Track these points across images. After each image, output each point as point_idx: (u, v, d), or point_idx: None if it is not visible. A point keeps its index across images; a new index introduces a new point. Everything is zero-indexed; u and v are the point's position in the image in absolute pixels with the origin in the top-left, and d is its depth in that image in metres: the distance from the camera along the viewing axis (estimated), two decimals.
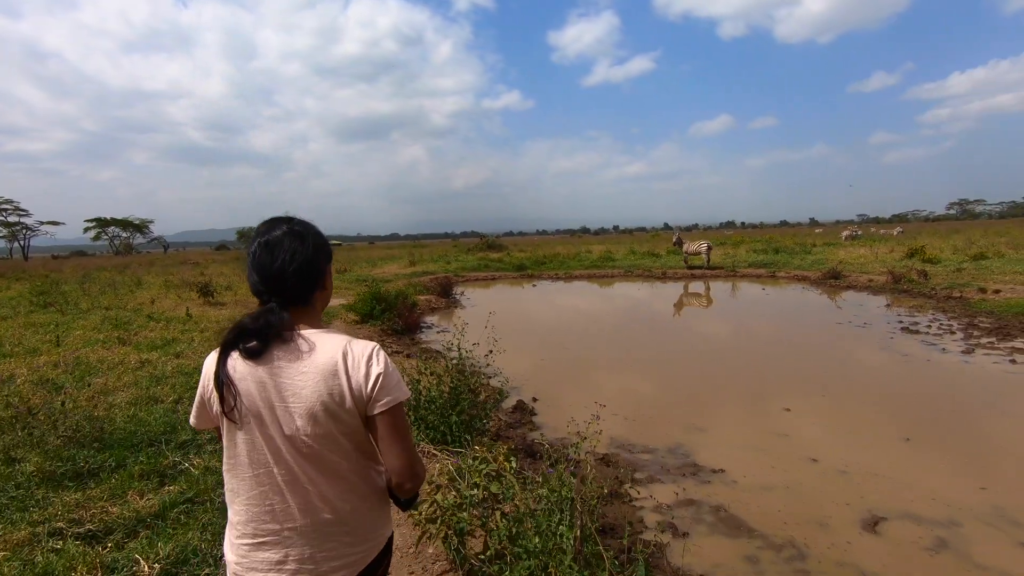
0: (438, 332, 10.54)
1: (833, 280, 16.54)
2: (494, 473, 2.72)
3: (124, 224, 72.22)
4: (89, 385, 5.27)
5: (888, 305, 12.01)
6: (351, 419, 1.19)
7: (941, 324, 9.57)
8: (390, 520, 1.36)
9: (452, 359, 4.85)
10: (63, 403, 3.99)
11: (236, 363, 1.17)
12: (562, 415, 5.68)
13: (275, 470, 1.18)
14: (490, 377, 5.29)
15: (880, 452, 4.46)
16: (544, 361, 7.93)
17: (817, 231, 58.86)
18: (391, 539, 1.36)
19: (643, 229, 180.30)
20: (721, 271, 20.65)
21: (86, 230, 69.87)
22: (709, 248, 21.82)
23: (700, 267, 21.58)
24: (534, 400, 6.22)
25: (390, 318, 10.18)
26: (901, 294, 13.68)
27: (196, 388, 1.29)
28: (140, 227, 73.77)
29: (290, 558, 1.18)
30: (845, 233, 37.47)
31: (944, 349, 7.76)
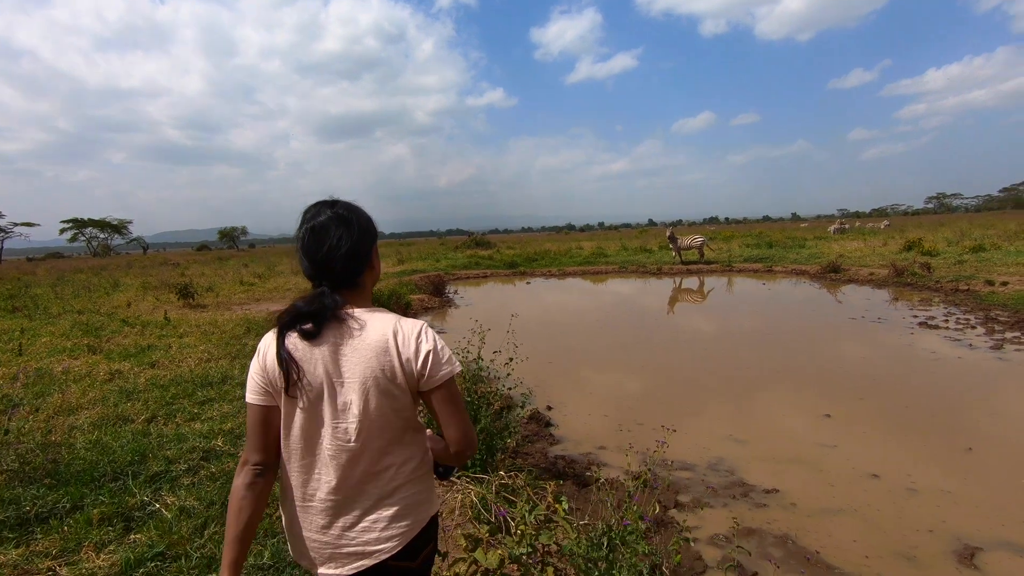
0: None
1: (833, 274, 16.25)
2: (542, 516, 2.20)
3: (101, 225, 70.46)
4: (47, 403, 4.64)
5: (896, 299, 11.69)
6: (402, 395, 1.23)
7: (958, 318, 9.22)
8: (435, 497, 1.37)
9: (469, 366, 4.29)
10: (6, 430, 3.37)
11: (295, 342, 1.21)
12: (581, 425, 5.18)
13: (325, 442, 1.22)
14: (510, 388, 4.75)
15: (944, 465, 4.01)
16: (552, 364, 7.41)
17: (803, 225, 59.19)
18: (436, 518, 1.36)
19: (628, 225, 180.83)
20: (717, 266, 20.29)
21: (62, 231, 68.09)
22: (704, 243, 21.49)
23: (695, 262, 21.26)
24: (548, 409, 5.70)
25: None
26: (905, 287, 13.39)
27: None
28: (118, 228, 72.03)
29: (334, 525, 1.24)
30: (833, 227, 37.47)
31: (971, 345, 7.38)
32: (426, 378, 1.23)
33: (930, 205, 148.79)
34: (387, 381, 1.21)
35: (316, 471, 1.23)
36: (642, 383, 6.50)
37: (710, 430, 4.86)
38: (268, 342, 1.26)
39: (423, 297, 13.90)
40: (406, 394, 1.24)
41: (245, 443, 1.26)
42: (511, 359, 4.37)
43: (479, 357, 4.32)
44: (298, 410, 1.22)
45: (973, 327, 8.50)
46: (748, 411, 5.36)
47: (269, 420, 1.26)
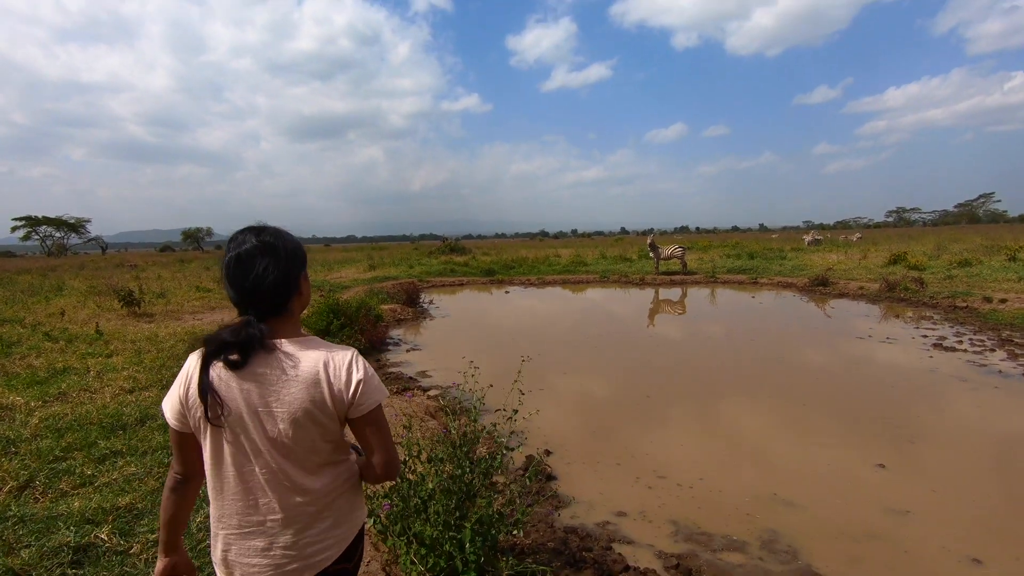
0: (408, 350, 8.94)
1: (822, 287, 15.77)
2: None
3: (57, 223, 66.90)
4: None
5: (896, 316, 11.13)
6: (331, 422, 1.26)
7: (971, 339, 8.64)
8: (364, 505, 1.44)
9: (460, 419, 3.32)
10: None
11: (219, 372, 1.21)
12: (590, 477, 4.26)
13: (257, 469, 1.23)
14: (513, 447, 3.80)
15: None
16: (544, 391, 6.48)
17: (774, 236, 59.70)
18: (364, 526, 1.43)
19: (601, 233, 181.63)
20: (700, 277, 19.72)
21: (14, 229, 64.45)
22: (685, 252, 20.92)
23: (676, 272, 20.66)
24: (547, 454, 4.76)
25: (350, 334, 8.53)
26: (899, 302, 12.92)
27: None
28: (75, 226, 68.54)
29: (275, 545, 1.25)
30: (808, 239, 37.56)
31: (1001, 372, 6.74)
32: (355, 406, 1.26)
33: (890, 219, 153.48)
34: (317, 411, 1.23)
35: (252, 497, 1.24)
36: (655, 420, 5.61)
37: (751, 486, 3.98)
38: (191, 369, 1.26)
39: (395, 307, 12.83)
40: (335, 421, 1.27)
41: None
42: (516, 412, 3.36)
43: (476, 400, 3.33)
44: (225, 442, 1.23)
45: (992, 350, 7.90)
46: (787, 459, 4.52)
47: (186, 443, 1.30)
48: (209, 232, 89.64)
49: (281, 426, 1.20)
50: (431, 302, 14.21)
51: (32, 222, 65.45)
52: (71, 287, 17.53)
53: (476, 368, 3.84)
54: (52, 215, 66.70)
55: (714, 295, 15.91)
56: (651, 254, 21.25)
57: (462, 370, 7.63)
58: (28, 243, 69.25)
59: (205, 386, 1.19)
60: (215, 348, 1.19)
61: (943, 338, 8.76)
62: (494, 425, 3.30)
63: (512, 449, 3.45)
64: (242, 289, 1.22)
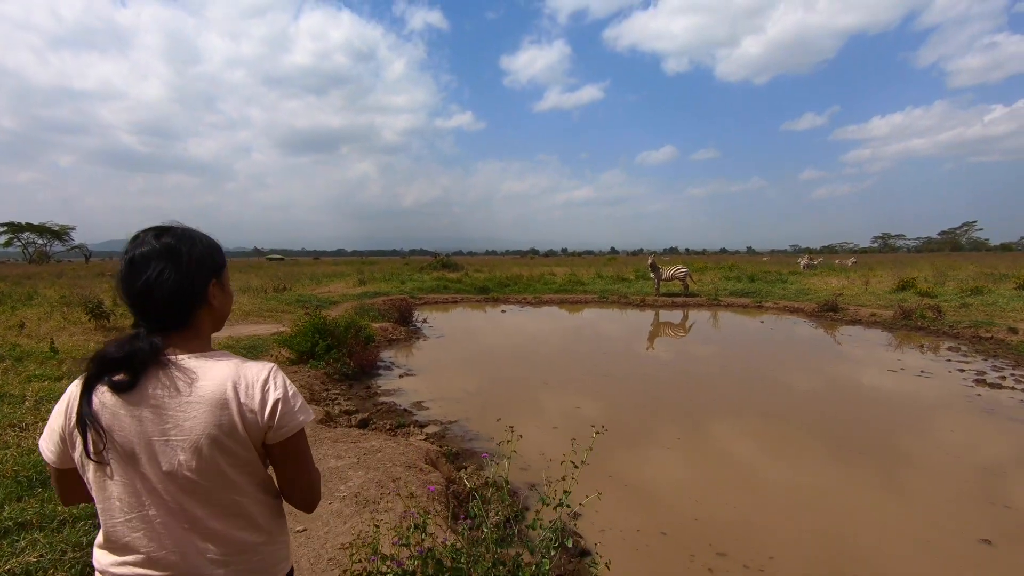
0: (401, 375, 8.10)
1: (831, 313, 15.17)
2: None
3: (40, 230, 65.31)
4: None
5: (921, 347, 10.49)
6: (244, 451, 1.04)
7: (1012, 375, 7.98)
8: (289, 554, 1.19)
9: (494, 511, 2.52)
10: None
11: (104, 397, 1.01)
12: (632, 551, 3.45)
13: (151, 512, 1.02)
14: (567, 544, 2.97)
15: None
16: (558, 431, 5.67)
17: (764, 259, 59.54)
18: (291, 573, 1.20)
19: (591, 252, 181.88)
20: (702, 299, 19.08)
21: None
22: (687, 274, 20.31)
23: (677, 294, 20.01)
24: (574, 517, 3.95)
25: (337, 357, 7.69)
26: (917, 331, 12.31)
27: None
28: (59, 234, 66.96)
29: None
30: (803, 262, 37.19)
31: None
32: (274, 430, 1.05)
33: (875, 244, 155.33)
34: (225, 438, 1.01)
35: (147, 543, 1.02)
36: (699, 471, 4.82)
37: (832, 564, 3.21)
38: (73, 394, 1.05)
39: (387, 326, 11.98)
40: (250, 450, 1.05)
41: None
42: (566, 502, 2.53)
43: (504, 482, 2.53)
44: (110, 481, 1.02)
45: None
46: (871, 527, 3.75)
47: (67, 481, 1.10)
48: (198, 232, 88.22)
49: (181, 457, 1.00)
50: (425, 321, 13.38)
51: (14, 228, 63.92)
52: (43, 296, 16.47)
53: (515, 434, 2.99)
54: (36, 221, 65.28)
55: (717, 319, 15.22)
56: (651, 275, 20.60)
57: (461, 399, 6.86)
58: (10, 250, 67.81)
59: (85, 415, 1.00)
60: (98, 368, 1.01)
61: (982, 373, 8.10)
62: (537, 516, 2.48)
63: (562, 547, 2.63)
64: (131, 295, 1.05)
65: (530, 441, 5.22)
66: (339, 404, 6.21)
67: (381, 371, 8.35)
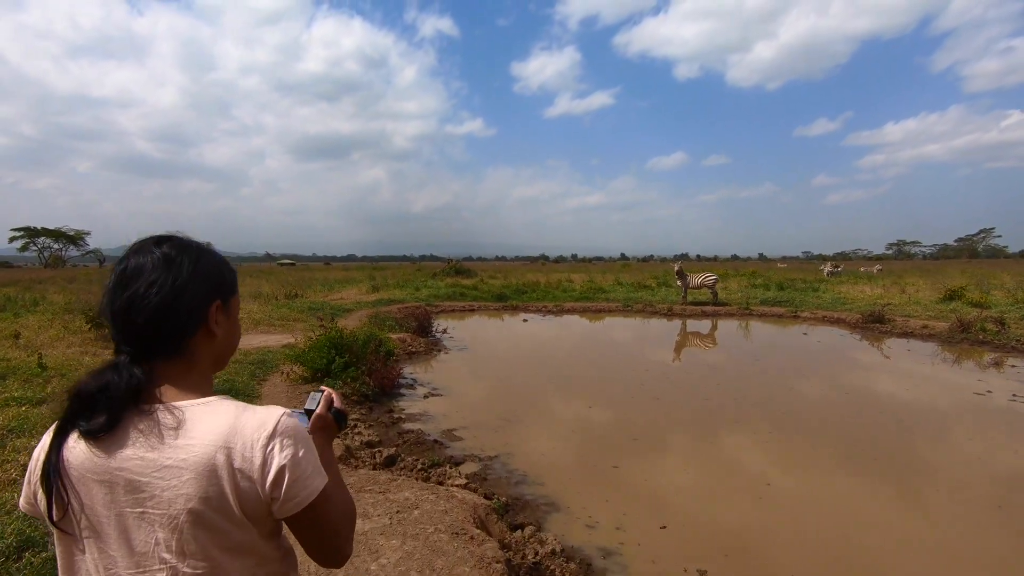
0: (426, 395, 7.25)
1: (878, 324, 14.14)
2: None
3: (56, 235, 65.66)
4: None
5: (995, 364, 9.50)
6: (239, 530, 0.81)
7: None
8: None
9: None
10: None
11: (75, 447, 0.80)
12: None
13: None
14: None
15: None
16: (620, 469, 4.79)
17: (781, 265, 58.20)
18: None
19: (600, 258, 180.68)
20: (733, 308, 18.10)
21: (12, 239, 63.36)
22: (716, 281, 19.34)
23: (705, 303, 19.04)
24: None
25: (356, 376, 6.87)
26: (979, 345, 11.30)
27: None
28: (74, 238, 67.32)
29: None
30: (827, 269, 36.07)
31: None
32: (280, 503, 0.82)
33: (890, 251, 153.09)
34: (214, 514, 0.79)
35: None
36: (813, 539, 3.92)
37: None
38: (43, 444, 0.85)
39: (405, 337, 11.16)
40: (248, 530, 0.82)
41: None
42: None
43: None
44: (77, 551, 0.82)
45: None
46: None
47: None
48: (209, 247, 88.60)
49: (160, 535, 0.79)
50: (445, 331, 12.54)
51: (30, 233, 64.41)
52: (50, 302, 15.85)
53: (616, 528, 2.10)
54: (52, 227, 65.69)
55: (749, 329, 14.26)
56: (678, 282, 19.65)
57: (497, 427, 5.99)
58: (26, 254, 68.54)
59: (50, 468, 0.80)
60: (73, 406, 0.80)
61: None
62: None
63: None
64: (113, 310, 0.84)
65: (589, 483, 4.35)
66: (360, 434, 5.37)
67: (403, 390, 7.51)
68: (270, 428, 0.83)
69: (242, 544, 0.83)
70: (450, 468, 4.51)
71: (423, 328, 12.12)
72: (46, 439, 0.84)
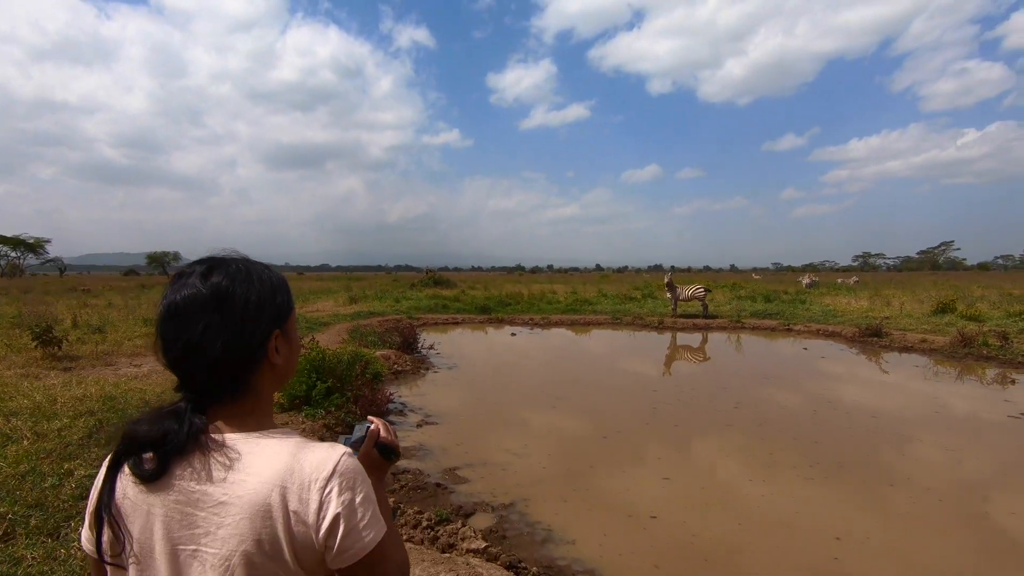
0: (419, 424, 6.46)
1: (875, 338, 13.81)
2: None
3: (14, 242, 62.28)
4: None
5: (1014, 382, 9.12)
6: None
7: None
8: None
9: None
10: None
11: (128, 485, 0.78)
12: None
13: None
14: None
15: None
16: (659, 520, 4.09)
17: (756, 277, 58.59)
18: None
19: (576, 269, 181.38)
20: (724, 321, 17.69)
21: None
22: (707, 294, 18.92)
23: (695, 315, 18.61)
24: None
25: (340, 404, 6.05)
26: (984, 360, 10.99)
27: None
28: (34, 246, 63.97)
29: None
30: (806, 281, 36.26)
31: None
32: (335, 552, 0.75)
33: (856, 263, 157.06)
34: (265, 559, 0.74)
35: None
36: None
37: None
38: (98, 483, 0.81)
39: (390, 354, 10.33)
40: (298, 574, 0.76)
41: None
42: None
43: None
44: None
45: None
46: None
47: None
48: (176, 257, 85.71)
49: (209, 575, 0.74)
50: (432, 347, 11.74)
51: None
52: (0, 315, 14.55)
53: None
54: (10, 234, 62.30)
55: (738, 342, 13.81)
56: (668, 294, 19.17)
57: (506, 464, 5.24)
58: None
59: (103, 505, 0.78)
60: (125, 446, 0.78)
61: None
62: None
63: None
64: (169, 357, 0.79)
65: (630, 538, 3.64)
66: None
67: (392, 417, 6.70)
68: (329, 469, 0.76)
69: None
70: (462, 526, 3.74)
71: (408, 344, 11.29)
72: (100, 475, 0.81)
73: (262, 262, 0.90)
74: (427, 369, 10.02)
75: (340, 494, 0.75)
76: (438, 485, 4.63)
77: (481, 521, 4.01)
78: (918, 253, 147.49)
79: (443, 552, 3.39)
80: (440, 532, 3.64)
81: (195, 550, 0.76)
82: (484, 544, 3.45)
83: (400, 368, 9.76)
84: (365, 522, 0.77)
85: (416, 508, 4.02)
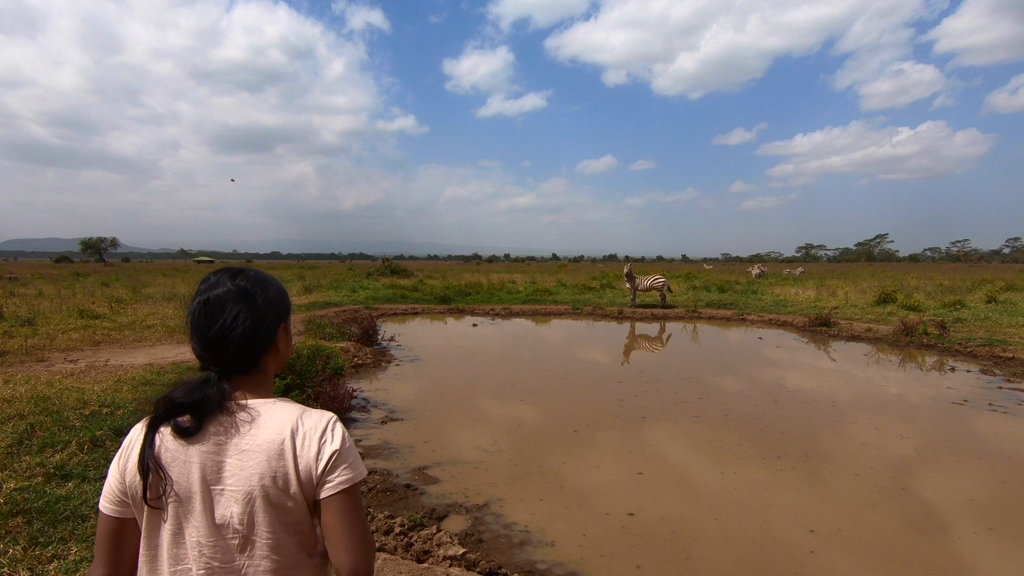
0: (384, 421, 6.23)
1: (824, 328, 14.35)
2: None
3: None
4: None
5: (950, 369, 9.61)
6: (297, 508, 1.00)
7: None
8: None
9: None
10: None
11: (165, 441, 1.00)
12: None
13: (192, 567, 0.98)
14: None
15: None
16: (637, 517, 4.03)
17: (708, 267, 60.24)
18: None
19: (533, 258, 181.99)
20: (681, 311, 18.05)
21: None
22: (665, 284, 19.23)
23: (654, 305, 18.92)
24: None
25: (301, 399, 5.74)
26: (925, 349, 11.57)
27: None
28: None
29: None
30: (755, 272, 37.50)
31: None
32: (324, 484, 0.99)
33: (799, 254, 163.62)
34: (279, 491, 0.98)
35: None
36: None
37: None
38: (134, 438, 1.04)
39: (349, 346, 9.98)
40: (301, 507, 1.00)
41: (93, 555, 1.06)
42: None
43: None
44: (163, 524, 1.00)
45: None
46: None
47: (123, 534, 1.03)
48: (114, 243, 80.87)
49: (235, 509, 0.97)
50: (392, 339, 11.42)
51: None
52: None
53: None
54: None
55: (695, 332, 14.11)
56: (627, 284, 19.39)
57: (477, 461, 5.10)
58: None
59: (147, 458, 0.98)
60: (164, 411, 1.00)
61: None
62: None
63: None
64: (205, 340, 1.04)
65: (611, 539, 3.56)
66: None
67: (355, 414, 6.45)
68: (326, 422, 1.03)
69: (296, 518, 1.00)
70: (437, 531, 3.57)
71: (368, 336, 10.95)
72: (134, 434, 1.04)
73: (268, 274, 1.16)
74: (389, 362, 9.74)
75: (334, 440, 1.01)
76: (408, 486, 4.44)
77: (456, 524, 3.86)
78: (856, 245, 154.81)
79: (419, 561, 3.22)
80: (414, 538, 3.47)
81: (222, 489, 0.98)
82: (462, 550, 3.30)
83: (361, 361, 9.44)
84: (351, 461, 1.02)
85: (387, 512, 3.83)
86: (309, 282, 24.40)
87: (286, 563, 0.99)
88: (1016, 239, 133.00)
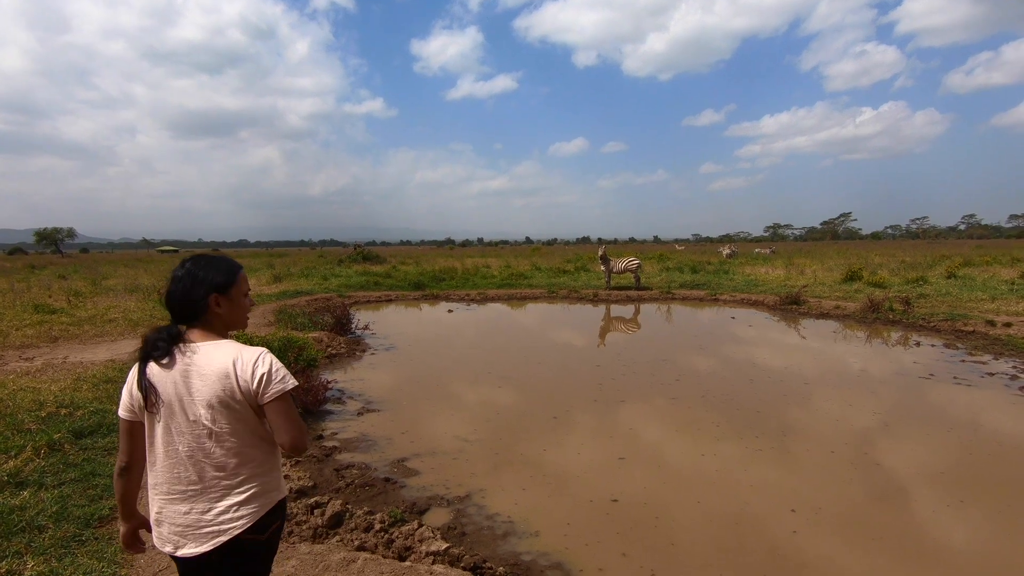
0: (360, 412, 6.09)
1: (794, 306, 14.63)
2: None
3: None
4: None
5: (915, 344, 9.88)
6: (243, 409, 1.55)
7: None
8: (282, 484, 1.71)
9: None
10: None
11: (152, 368, 1.55)
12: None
13: (179, 447, 1.54)
14: None
15: None
16: (620, 503, 4.01)
17: (679, 248, 60.96)
18: (284, 501, 1.70)
19: (506, 242, 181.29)
20: (656, 293, 18.19)
21: None
22: (639, 266, 19.34)
23: (628, 287, 19.04)
24: None
25: None
26: (891, 324, 11.89)
27: None
28: None
29: (193, 510, 1.54)
30: (725, 251, 38.09)
31: None
32: (261, 395, 1.53)
33: (767, 234, 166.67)
34: (228, 399, 1.52)
35: (176, 470, 1.54)
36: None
37: None
38: (134, 370, 1.58)
39: (322, 336, 9.74)
40: (247, 408, 1.55)
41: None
42: None
43: None
44: (157, 424, 1.55)
45: None
46: None
47: (133, 432, 1.61)
48: (71, 233, 77.60)
49: (200, 410, 1.52)
50: (366, 327, 11.21)
51: None
52: None
53: None
54: None
55: (670, 313, 14.25)
56: (602, 267, 19.44)
57: (456, 452, 5.02)
58: None
59: (143, 380, 1.54)
60: (145, 347, 1.56)
61: (1015, 377, 7.41)
62: None
63: None
64: (165, 303, 1.63)
65: (597, 527, 3.53)
66: (287, 477, 4.18)
67: (330, 406, 6.29)
68: (258, 354, 1.57)
69: (243, 415, 1.56)
70: (418, 526, 3.48)
71: (341, 324, 10.72)
72: (134, 369, 1.57)
73: (226, 256, 1.73)
74: (363, 351, 9.55)
75: (263, 365, 1.55)
76: (387, 480, 4.34)
77: (437, 517, 3.78)
78: (821, 224, 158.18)
79: (400, 558, 3.13)
80: (395, 535, 3.37)
81: (192, 399, 1.52)
82: (445, 545, 3.22)
83: (335, 351, 9.23)
84: (279, 378, 1.56)
85: (366, 508, 3.72)
86: (279, 270, 23.82)
87: (241, 443, 1.56)
88: (971, 216, 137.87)
